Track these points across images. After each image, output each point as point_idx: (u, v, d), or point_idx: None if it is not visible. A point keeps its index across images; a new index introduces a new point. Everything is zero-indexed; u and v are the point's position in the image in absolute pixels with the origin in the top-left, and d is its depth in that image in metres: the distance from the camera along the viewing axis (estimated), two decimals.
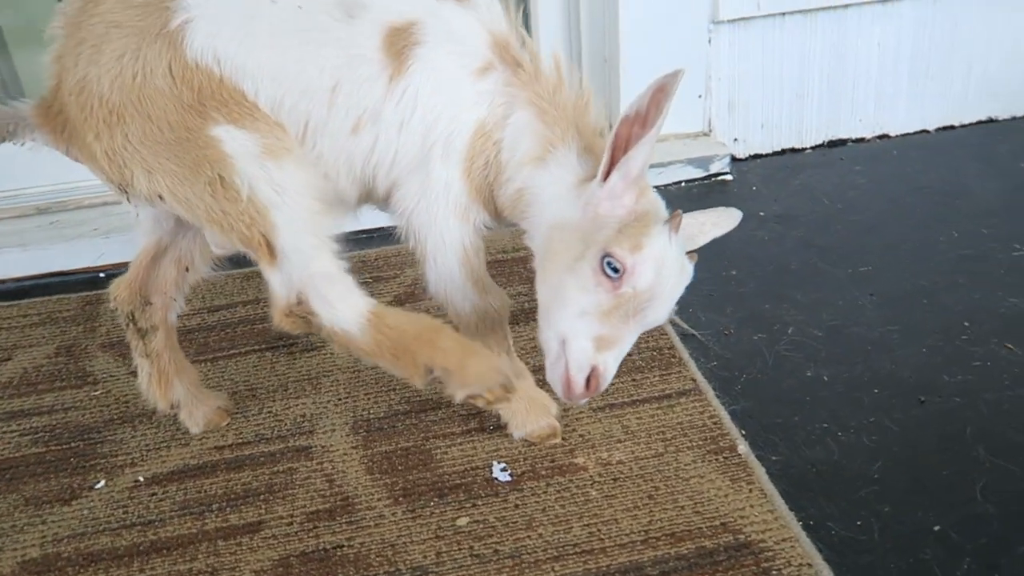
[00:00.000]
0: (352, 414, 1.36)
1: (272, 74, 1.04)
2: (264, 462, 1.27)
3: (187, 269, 1.26)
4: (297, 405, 1.40)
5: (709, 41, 2.09)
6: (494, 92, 1.09)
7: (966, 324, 1.45)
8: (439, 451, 1.26)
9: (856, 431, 1.23)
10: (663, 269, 1.00)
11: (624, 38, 2.05)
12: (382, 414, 1.35)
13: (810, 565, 1.01)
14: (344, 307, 1.06)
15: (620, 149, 0.97)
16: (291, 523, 1.15)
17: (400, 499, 1.17)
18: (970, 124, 2.34)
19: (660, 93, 0.92)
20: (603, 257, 0.98)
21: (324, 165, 1.10)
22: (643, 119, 0.94)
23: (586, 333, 1.01)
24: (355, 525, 1.14)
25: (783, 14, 2.10)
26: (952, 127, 2.33)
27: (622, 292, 0.99)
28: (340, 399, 1.40)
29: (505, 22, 1.12)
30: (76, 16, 1.04)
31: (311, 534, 1.13)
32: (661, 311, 1.03)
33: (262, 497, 1.20)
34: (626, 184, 0.99)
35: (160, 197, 1.07)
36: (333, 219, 1.11)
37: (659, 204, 1.06)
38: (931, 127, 2.32)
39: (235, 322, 1.66)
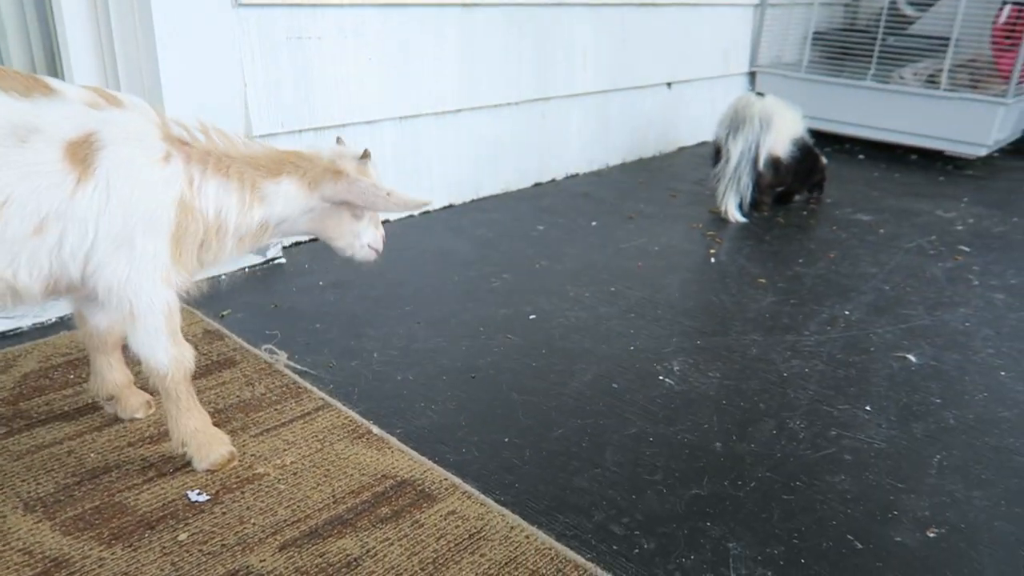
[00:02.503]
0: (18, 499, 1.39)
1: None
2: None
3: None
4: None
5: None
6: (180, 173, 1.33)
7: (481, 329, 2.16)
8: (130, 500, 1.41)
9: (441, 402, 1.79)
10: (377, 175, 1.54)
11: None
12: (52, 489, 1.42)
13: (446, 479, 1.50)
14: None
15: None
16: None
17: (113, 542, 1.30)
18: (440, 208, 3.23)
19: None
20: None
21: None
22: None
23: (372, 230, 1.61)
24: (79, 574, 1.23)
25: (300, 131, 2.67)
26: (428, 212, 3.19)
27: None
28: None
29: (150, 110, 1.37)
30: None
31: None
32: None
33: None
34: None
35: None
36: None
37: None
38: (416, 213, 3.14)
39: None
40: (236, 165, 1.41)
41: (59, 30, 2.24)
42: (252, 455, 1.55)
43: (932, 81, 4.14)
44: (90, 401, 1.67)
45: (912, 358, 2.07)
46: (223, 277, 2.43)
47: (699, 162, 4.06)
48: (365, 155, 1.52)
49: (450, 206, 3.26)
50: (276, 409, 1.71)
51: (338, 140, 1.61)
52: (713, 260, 2.78)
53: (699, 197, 3.49)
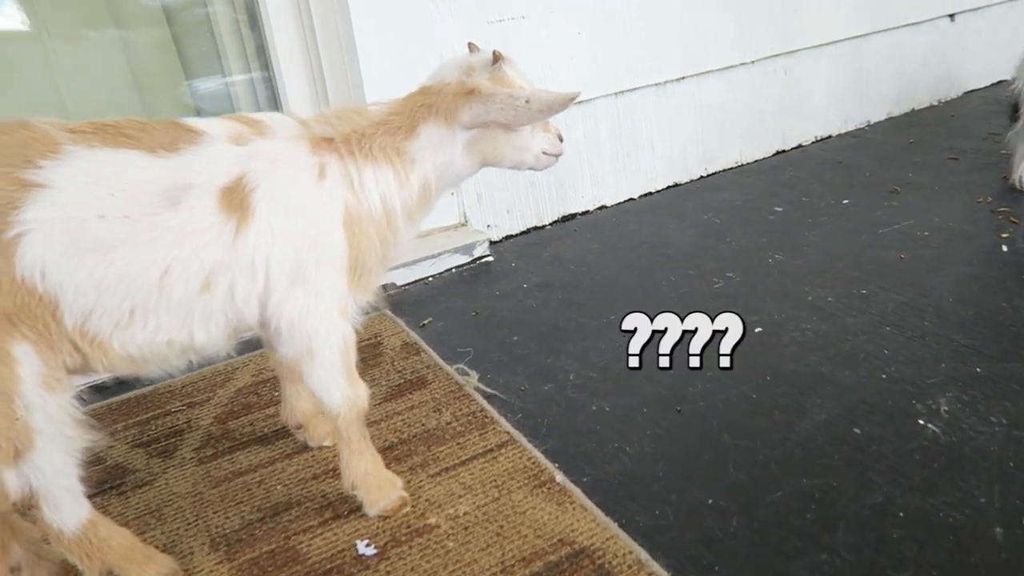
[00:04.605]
0: (207, 534, 1.42)
1: (97, 287, 1.09)
2: None
3: None
4: (146, 539, 1.41)
5: None
6: (338, 181, 1.26)
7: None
8: (303, 545, 1.37)
9: (638, 443, 1.56)
10: (524, 74, 1.37)
11: None
12: (237, 526, 1.43)
13: (630, 552, 1.28)
14: (69, 512, 1.18)
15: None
16: None
17: None
18: (662, 189, 2.93)
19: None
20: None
21: (164, 333, 1.17)
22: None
23: (542, 137, 1.39)
24: None
25: None
26: (650, 193, 2.90)
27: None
28: (189, 523, 1.45)
29: (290, 121, 1.30)
30: None
31: None
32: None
33: None
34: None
35: None
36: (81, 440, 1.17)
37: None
38: (635, 195, 2.88)
39: None
40: (376, 140, 1.31)
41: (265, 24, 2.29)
42: (426, 500, 1.45)
43: None
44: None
45: None
46: (430, 279, 2.38)
47: (992, 110, 3.30)
48: (496, 58, 1.33)
49: (674, 186, 2.95)
50: (458, 443, 1.60)
51: (470, 47, 1.43)
52: (1006, 249, 2.19)
53: (989, 159, 2.81)
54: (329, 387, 1.33)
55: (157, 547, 1.39)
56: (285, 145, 1.26)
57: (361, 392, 1.38)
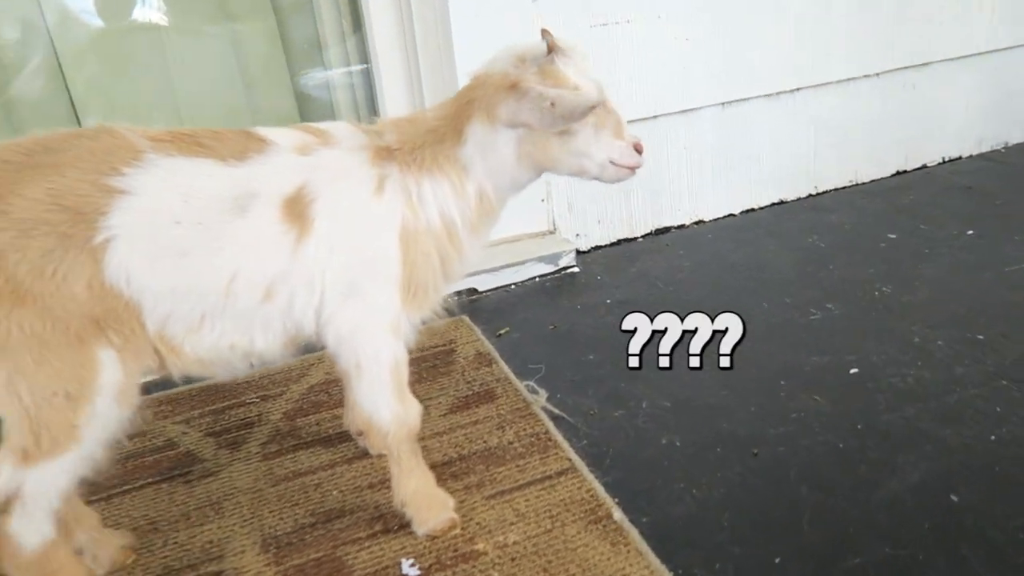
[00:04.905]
0: (259, 533, 1.43)
1: (172, 293, 1.11)
2: None
3: None
4: (202, 532, 1.45)
5: None
6: (398, 196, 1.23)
7: (782, 383, 1.75)
8: (349, 557, 1.36)
9: (707, 486, 1.46)
10: (585, 68, 1.23)
11: None
12: (289, 529, 1.44)
13: None
14: (33, 530, 1.13)
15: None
16: None
17: None
18: (767, 206, 2.77)
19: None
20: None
21: (228, 338, 1.18)
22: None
23: (610, 145, 1.26)
24: None
25: None
26: (752, 209, 2.75)
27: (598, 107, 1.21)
28: (245, 520, 1.47)
29: (355, 131, 1.28)
30: (1, 175, 1.04)
31: None
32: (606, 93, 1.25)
33: None
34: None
35: None
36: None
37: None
38: (736, 211, 2.73)
39: (124, 457, 1.67)
40: (428, 150, 1.26)
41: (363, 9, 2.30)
42: (477, 524, 1.41)
43: None
44: None
45: None
46: (512, 287, 2.34)
47: None
48: (550, 48, 1.22)
49: (780, 203, 2.79)
50: (518, 466, 1.55)
51: (543, 34, 1.26)
52: None
53: None
54: (377, 404, 1.30)
55: (212, 541, 1.42)
56: (347, 156, 1.24)
57: (412, 411, 1.34)
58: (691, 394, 1.74)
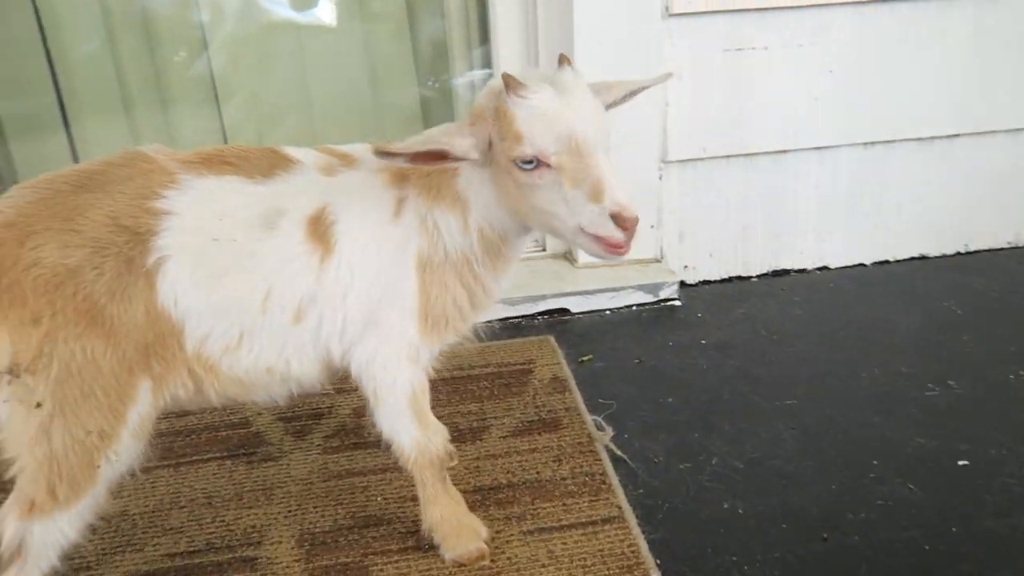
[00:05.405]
0: (299, 526, 1.45)
1: (213, 311, 1.12)
2: (211, 571, 1.36)
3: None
4: (249, 515, 1.49)
5: (660, 177, 2.28)
6: (414, 221, 1.20)
7: (875, 462, 1.57)
8: (375, 568, 1.35)
9: (761, 565, 1.33)
10: (549, 113, 1.04)
11: None
12: (327, 527, 1.45)
13: None
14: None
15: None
16: None
17: None
18: (903, 260, 2.52)
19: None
20: (515, 162, 1.07)
21: (265, 360, 1.18)
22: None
23: (581, 208, 1.06)
24: None
25: (727, 157, 2.30)
26: (887, 262, 2.51)
27: (552, 160, 1.06)
28: (290, 511, 1.50)
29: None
30: (61, 199, 1.07)
31: None
32: (589, 126, 1.06)
33: None
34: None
35: (38, 404, 1.02)
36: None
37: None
38: (867, 261, 2.51)
39: (201, 428, 1.76)
40: (434, 177, 1.21)
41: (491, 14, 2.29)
42: (507, 559, 1.36)
43: None
44: None
45: None
46: (607, 312, 2.26)
47: None
48: (506, 84, 1.06)
49: (919, 258, 2.53)
50: (565, 504, 1.48)
51: (561, 59, 1.14)
52: None
53: None
54: (396, 430, 1.29)
55: (255, 527, 1.45)
56: (366, 177, 1.22)
57: (435, 438, 1.31)
58: (767, 456, 1.60)
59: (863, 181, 2.42)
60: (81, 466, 1.05)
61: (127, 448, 1.10)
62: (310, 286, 1.17)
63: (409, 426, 1.28)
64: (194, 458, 1.66)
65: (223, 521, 1.48)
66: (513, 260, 1.29)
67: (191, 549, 1.41)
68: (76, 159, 2.46)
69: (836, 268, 2.50)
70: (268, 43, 2.43)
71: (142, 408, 1.10)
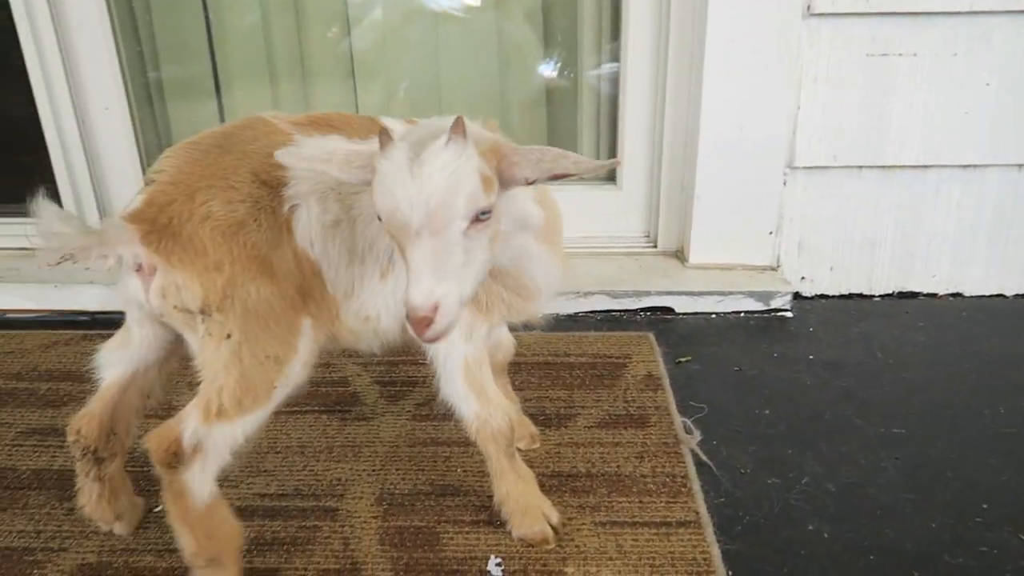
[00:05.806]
0: (381, 486, 1.51)
1: (336, 258, 1.21)
2: (295, 515, 1.43)
3: (148, 396, 1.34)
4: (336, 468, 1.56)
5: (784, 183, 2.19)
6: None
7: (984, 506, 1.46)
8: (446, 535, 1.38)
9: None
10: (386, 183, 0.99)
11: (700, 170, 2.18)
12: (406, 490, 1.50)
13: None
14: (207, 483, 1.18)
15: None
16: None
17: (401, 574, 1.30)
18: None
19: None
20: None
21: (365, 310, 1.26)
22: None
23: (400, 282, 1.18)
24: None
25: (860, 167, 2.18)
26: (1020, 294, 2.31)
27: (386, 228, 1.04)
28: (374, 469, 1.56)
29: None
30: (211, 160, 1.16)
31: None
32: (417, 207, 0.97)
33: (285, 547, 1.36)
34: None
35: (228, 336, 1.14)
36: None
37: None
38: (1008, 292, 2.31)
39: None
40: None
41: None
42: (576, 546, 1.36)
43: None
44: None
45: None
46: (713, 316, 2.21)
47: None
48: (381, 144, 1.02)
49: None
50: (641, 502, 1.46)
51: (455, 124, 0.99)
52: None
53: None
54: (456, 400, 1.32)
55: (340, 480, 1.52)
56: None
57: (496, 412, 1.32)
58: (864, 484, 1.52)
59: (1011, 206, 2.23)
60: (263, 383, 1.18)
61: (296, 374, 1.22)
62: (389, 244, 1.22)
63: (467, 398, 1.31)
64: (293, 409, 1.75)
65: (312, 471, 1.56)
66: (532, 255, 1.25)
67: (280, 492, 1.50)
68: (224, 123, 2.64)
69: (971, 296, 2.32)
70: (407, 28, 2.52)
71: (307, 342, 1.21)
